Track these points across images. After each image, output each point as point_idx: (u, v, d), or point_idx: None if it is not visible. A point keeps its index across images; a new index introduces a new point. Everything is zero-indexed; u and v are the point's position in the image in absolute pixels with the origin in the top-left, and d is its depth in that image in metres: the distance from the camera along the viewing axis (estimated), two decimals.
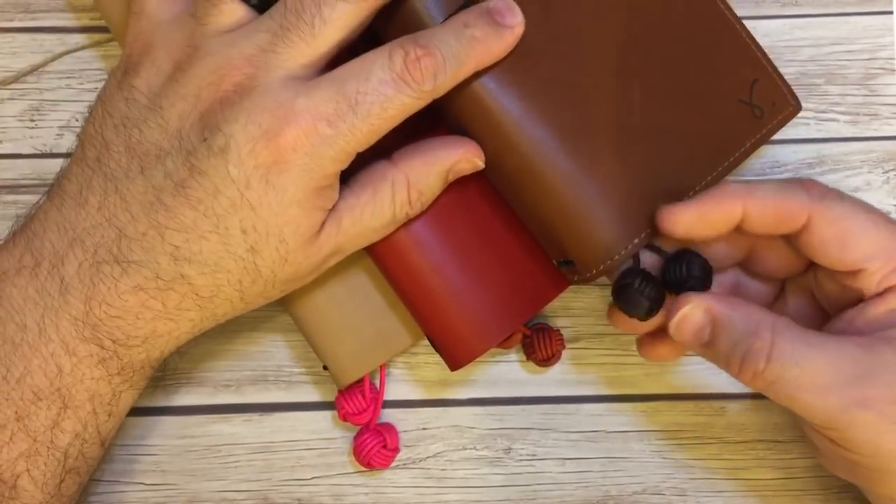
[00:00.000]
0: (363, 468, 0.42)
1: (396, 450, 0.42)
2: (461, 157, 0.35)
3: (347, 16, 0.32)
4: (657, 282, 0.35)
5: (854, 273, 0.35)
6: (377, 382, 0.42)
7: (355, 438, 0.41)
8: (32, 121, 0.43)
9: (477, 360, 0.42)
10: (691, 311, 0.34)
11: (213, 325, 0.35)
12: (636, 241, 0.36)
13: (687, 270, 0.35)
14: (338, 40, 0.33)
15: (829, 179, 0.43)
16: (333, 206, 0.34)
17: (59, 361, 0.33)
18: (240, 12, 0.34)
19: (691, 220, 0.35)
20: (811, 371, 0.32)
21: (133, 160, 0.33)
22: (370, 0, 0.33)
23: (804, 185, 0.35)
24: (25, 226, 0.35)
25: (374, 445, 0.41)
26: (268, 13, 0.33)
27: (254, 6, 0.34)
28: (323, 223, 0.34)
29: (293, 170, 0.32)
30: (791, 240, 0.36)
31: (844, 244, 0.34)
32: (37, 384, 0.33)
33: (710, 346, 0.34)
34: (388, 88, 0.32)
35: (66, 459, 0.34)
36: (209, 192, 0.32)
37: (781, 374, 0.32)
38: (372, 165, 0.35)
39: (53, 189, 0.35)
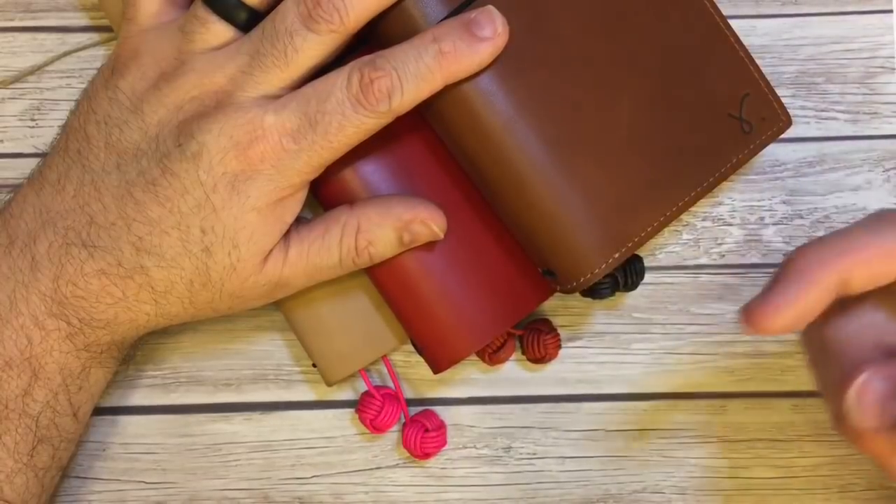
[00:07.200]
0: (424, 461, 0.42)
1: (441, 427, 0.42)
2: (415, 217, 0.36)
3: (318, 45, 0.34)
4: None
5: None
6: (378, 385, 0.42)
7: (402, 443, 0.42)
8: (33, 120, 0.43)
9: (476, 360, 0.43)
10: (870, 378, 0.29)
11: (168, 325, 0.37)
12: (617, 255, 0.36)
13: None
14: (311, 66, 0.34)
15: (829, 178, 0.43)
16: (286, 236, 0.36)
17: (29, 333, 0.35)
18: (226, 35, 0.35)
19: (785, 320, 0.30)
20: None
21: (111, 156, 0.35)
22: (338, 32, 0.33)
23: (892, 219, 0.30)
24: (4, 208, 0.37)
25: (417, 435, 0.41)
26: (248, 35, 0.35)
27: (240, 26, 0.35)
28: (271, 250, 0.35)
29: (259, 178, 0.34)
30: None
31: None
32: (8, 353, 0.35)
33: None
34: (346, 109, 0.33)
35: (37, 428, 0.36)
36: (177, 191, 0.34)
37: None
38: (334, 209, 0.37)
39: (34, 175, 0.37)
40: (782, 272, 0.30)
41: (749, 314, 0.30)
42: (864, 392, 0.29)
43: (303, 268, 0.36)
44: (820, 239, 0.30)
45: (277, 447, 0.43)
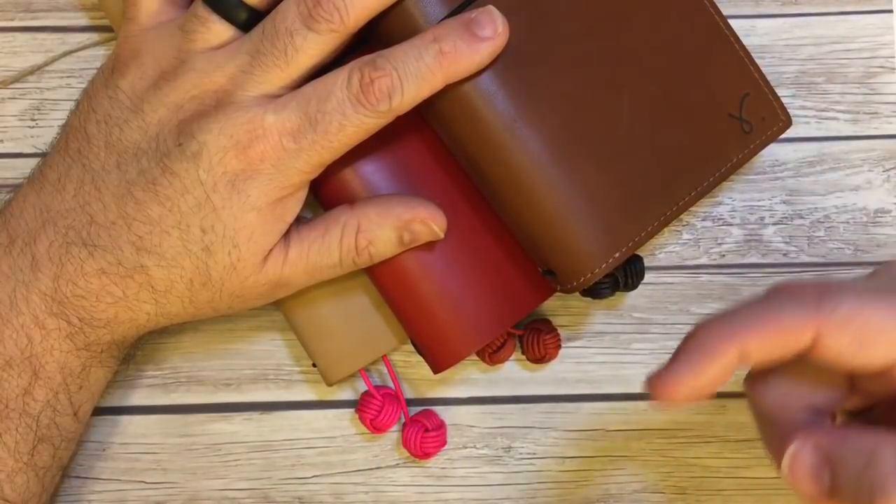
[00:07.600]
0: (425, 461, 0.42)
1: (441, 427, 0.42)
2: (415, 216, 0.36)
3: (319, 44, 0.34)
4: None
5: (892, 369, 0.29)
6: (378, 385, 0.42)
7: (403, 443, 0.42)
8: (33, 120, 0.43)
9: (476, 360, 0.43)
10: (800, 448, 0.29)
11: (168, 324, 0.37)
12: (617, 254, 0.36)
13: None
14: (311, 65, 0.34)
15: (829, 178, 0.43)
16: (286, 235, 0.36)
17: (30, 333, 0.35)
18: (226, 34, 0.35)
19: (689, 390, 0.30)
20: None
21: (111, 155, 0.35)
22: (339, 31, 0.33)
23: (793, 293, 0.30)
24: (5, 208, 0.37)
25: (417, 435, 0.41)
26: (248, 35, 0.35)
27: (240, 26, 0.35)
28: (272, 250, 0.35)
29: (259, 178, 0.34)
30: (807, 357, 0.30)
31: (865, 344, 0.29)
32: (8, 353, 0.35)
33: (835, 491, 0.29)
34: (346, 108, 0.33)
35: (38, 427, 0.36)
36: (178, 190, 0.34)
37: None
38: (334, 209, 0.37)
39: (34, 175, 0.37)
40: (684, 345, 0.31)
41: (653, 384, 0.30)
42: (795, 463, 0.29)
43: (303, 267, 0.36)
44: (721, 313, 0.31)
45: (277, 447, 0.43)
